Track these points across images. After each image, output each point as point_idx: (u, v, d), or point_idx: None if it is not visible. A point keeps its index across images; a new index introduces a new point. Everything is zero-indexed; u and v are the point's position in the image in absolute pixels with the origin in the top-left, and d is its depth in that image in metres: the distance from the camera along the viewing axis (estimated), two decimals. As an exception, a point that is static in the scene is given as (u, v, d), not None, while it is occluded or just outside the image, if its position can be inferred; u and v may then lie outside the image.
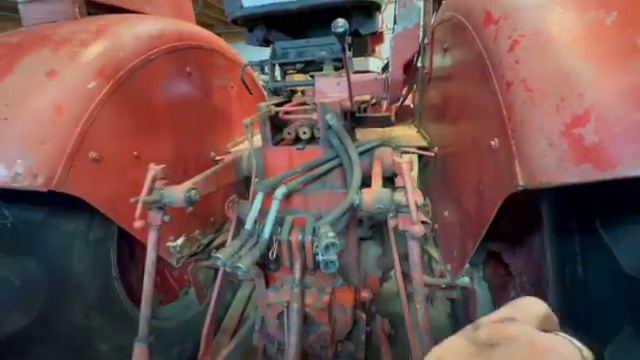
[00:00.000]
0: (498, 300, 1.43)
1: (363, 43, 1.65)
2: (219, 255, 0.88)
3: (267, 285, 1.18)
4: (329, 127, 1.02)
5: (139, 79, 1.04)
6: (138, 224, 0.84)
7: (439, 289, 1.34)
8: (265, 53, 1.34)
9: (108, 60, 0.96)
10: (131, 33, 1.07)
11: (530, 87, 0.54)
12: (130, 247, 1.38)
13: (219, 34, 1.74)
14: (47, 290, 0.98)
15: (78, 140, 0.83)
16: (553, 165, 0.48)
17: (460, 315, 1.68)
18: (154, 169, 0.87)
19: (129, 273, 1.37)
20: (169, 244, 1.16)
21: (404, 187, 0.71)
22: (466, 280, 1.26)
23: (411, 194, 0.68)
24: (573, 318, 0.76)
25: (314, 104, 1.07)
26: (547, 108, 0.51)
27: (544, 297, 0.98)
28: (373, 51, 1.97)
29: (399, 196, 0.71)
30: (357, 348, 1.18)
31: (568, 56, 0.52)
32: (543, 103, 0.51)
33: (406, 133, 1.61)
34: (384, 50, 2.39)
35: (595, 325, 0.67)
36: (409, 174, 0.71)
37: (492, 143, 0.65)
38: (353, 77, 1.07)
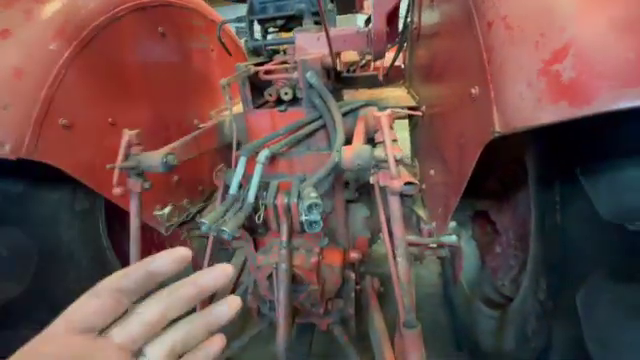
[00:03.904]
0: (485, 257, 1.47)
1: (349, -2, 1.55)
2: (204, 220, 0.88)
3: (257, 249, 1.20)
4: (310, 86, 0.98)
5: (105, 40, 0.97)
6: (117, 191, 0.83)
7: (427, 248, 1.37)
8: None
9: (69, 19, 0.88)
10: (93, -12, 0.99)
11: (510, 25, 0.50)
12: (120, 218, 1.38)
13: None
14: (37, 259, 1.00)
15: (44, 105, 0.79)
16: (530, 107, 0.46)
17: (449, 273, 1.75)
18: (128, 134, 0.84)
19: (122, 243, 1.38)
20: (156, 212, 1.16)
21: (383, 142, 0.69)
22: (453, 238, 1.29)
23: (390, 148, 0.66)
24: (549, 264, 0.78)
25: (295, 62, 1.02)
26: (526, 46, 0.47)
27: (527, 250, 1.01)
28: (361, 7, 1.85)
29: (378, 151, 0.70)
30: (346, 305, 1.22)
31: (551, -13, 0.48)
32: (523, 41, 0.48)
33: (396, 94, 1.56)
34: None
35: (569, 269, 0.69)
36: (388, 128, 0.69)
37: (472, 92, 0.62)
38: (333, 31, 1.01)
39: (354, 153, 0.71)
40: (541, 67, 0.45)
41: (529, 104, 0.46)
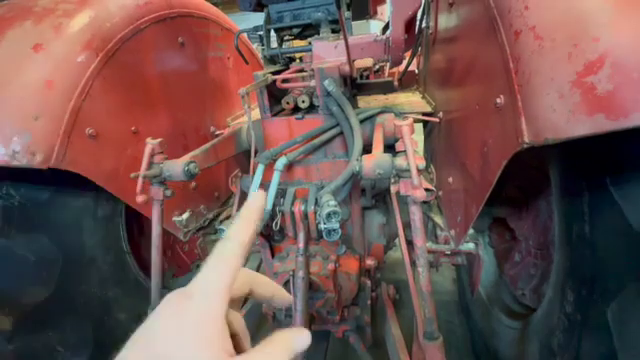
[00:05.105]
0: (503, 265, 1.44)
1: (363, 3, 1.54)
2: (223, 227, 0.89)
3: (273, 256, 1.20)
4: (328, 94, 0.98)
5: (129, 51, 1.00)
6: (140, 199, 0.84)
7: (444, 255, 1.35)
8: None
9: (95, 31, 0.92)
10: (117, 1, 1.02)
11: (540, 35, 0.49)
12: (139, 223, 1.41)
13: (215, 4, 1.65)
14: (61, 264, 1.02)
15: (72, 116, 0.82)
16: (563, 119, 0.45)
17: (465, 280, 1.72)
18: (151, 143, 0.86)
19: (140, 248, 1.41)
20: (175, 218, 1.18)
21: (405, 151, 0.69)
22: (471, 246, 1.26)
23: (412, 158, 0.66)
24: (576, 276, 0.76)
25: (312, 70, 1.02)
26: (558, 56, 0.47)
27: (549, 259, 0.98)
28: (375, 13, 1.85)
29: (400, 161, 0.69)
30: (363, 312, 1.21)
31: (583, -4, 0.47)
32: (554, 51, 0.47)
33: (410, 99, 1.55)
34: (387, 11, 2.25)
35: (599, 282, 0.67)
36: (409, 137, 0.68)
37: (498, 101, 0.61)
38: (351, 39, 1.01)
39: (375, 162, 0.70)
40: (574, 79, 0.44)
41: (561, 116, 0.45)
